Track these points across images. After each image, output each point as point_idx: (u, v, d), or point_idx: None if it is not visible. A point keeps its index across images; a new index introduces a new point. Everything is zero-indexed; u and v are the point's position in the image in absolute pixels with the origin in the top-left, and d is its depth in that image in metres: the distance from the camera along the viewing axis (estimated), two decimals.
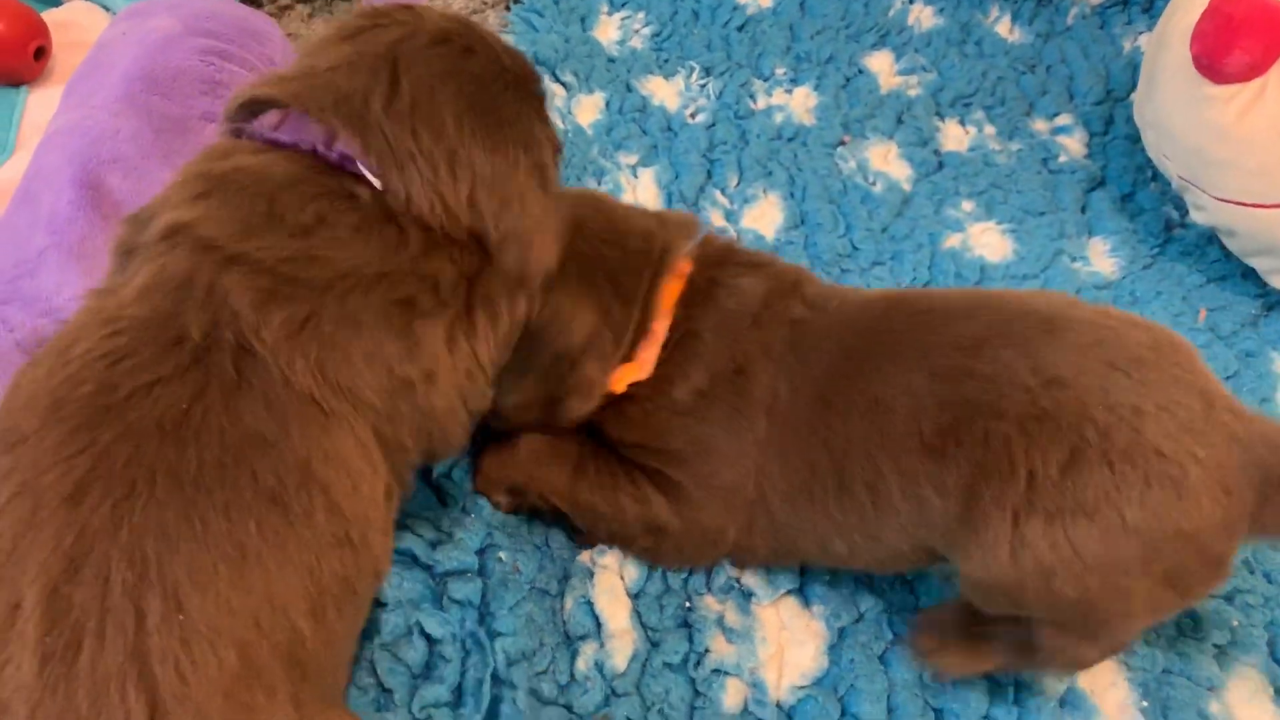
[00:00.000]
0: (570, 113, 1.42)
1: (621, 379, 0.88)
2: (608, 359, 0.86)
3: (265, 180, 0.65)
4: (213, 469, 0.59)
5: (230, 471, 0.59)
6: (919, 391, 0.79)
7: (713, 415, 0.86)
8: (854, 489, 0.82)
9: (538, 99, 0.79)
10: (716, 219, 1.32)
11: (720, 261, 0.92)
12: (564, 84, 1.46)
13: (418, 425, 0.70)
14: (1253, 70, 1.17)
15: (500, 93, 0.73)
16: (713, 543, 0.92)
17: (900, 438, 0.79)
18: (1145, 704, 0.94)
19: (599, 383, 0.87)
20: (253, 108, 0.70)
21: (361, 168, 0.66)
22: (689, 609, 0.95)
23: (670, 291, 0.89)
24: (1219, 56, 1.18)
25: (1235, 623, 0.99)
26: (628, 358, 0.88)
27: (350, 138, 0.67)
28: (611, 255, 0.88)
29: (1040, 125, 1.55)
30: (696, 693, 0.90)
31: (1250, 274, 1.33)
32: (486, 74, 0.73)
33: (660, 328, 0.88)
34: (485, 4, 1.57)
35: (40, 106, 1.17)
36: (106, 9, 1.33)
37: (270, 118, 0.69)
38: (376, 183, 0.66)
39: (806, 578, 0.97)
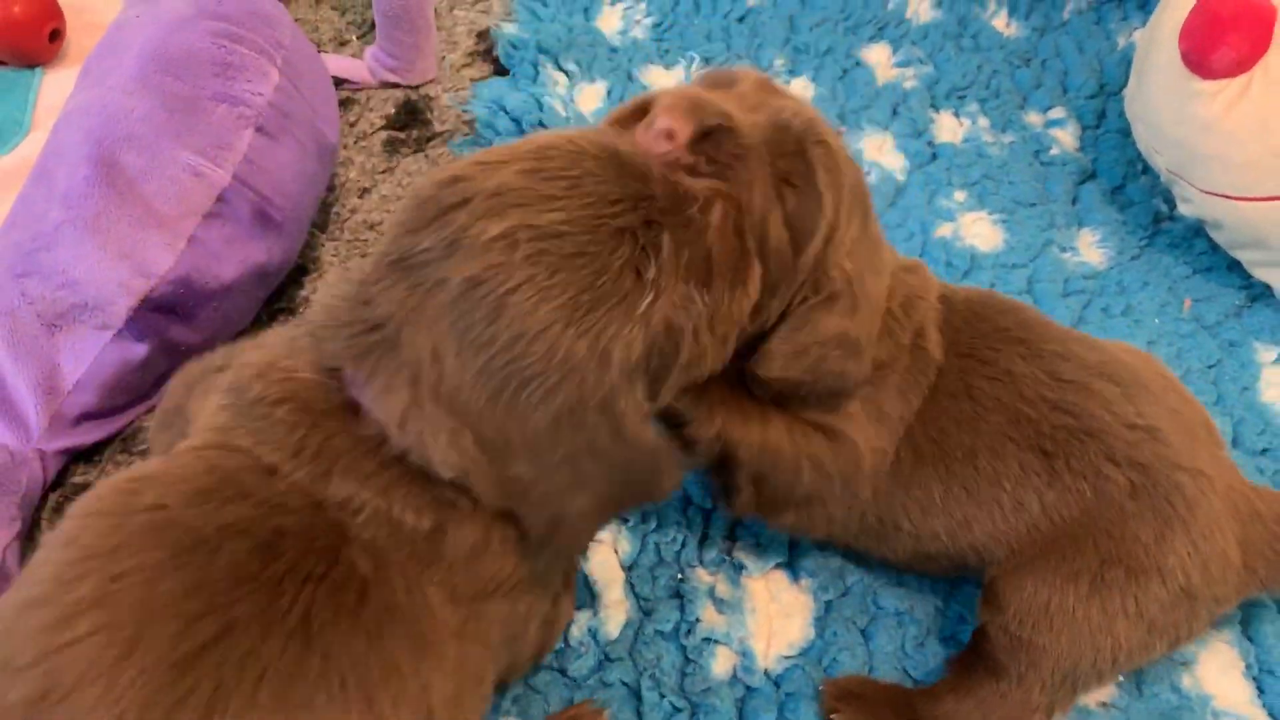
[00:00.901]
0: (573, 101, 1.45)
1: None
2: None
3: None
4: (324, 678, 0.56)
5: (346, 692, 0.57)
6: (1041, 403, 0.84)
7: (889, 382, 0.85)
8: (980, 466, 0.84)
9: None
10: None
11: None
12: (567, 72, 1.49)
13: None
14: (1239, 66, 1.20)
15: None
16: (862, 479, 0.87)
17: (1026, 439, 0.83)
18: (1121, 678, 0.97)
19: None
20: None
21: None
22: (681, 580, 0.98)
23: None
24: (1206, 53, 1.20)
25: None
26: None
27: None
28: None
29: (1034, 118, 1.57)
30: (687, 659, 0.93)
31: (1235, 266, 1.36)
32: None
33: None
34: None
35: (55, 87, 1.20)
36: None
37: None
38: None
39: (796, 552, 1.01)
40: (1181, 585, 0.81)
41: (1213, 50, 1.20)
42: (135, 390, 0.99)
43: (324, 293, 0.65)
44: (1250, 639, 1.01)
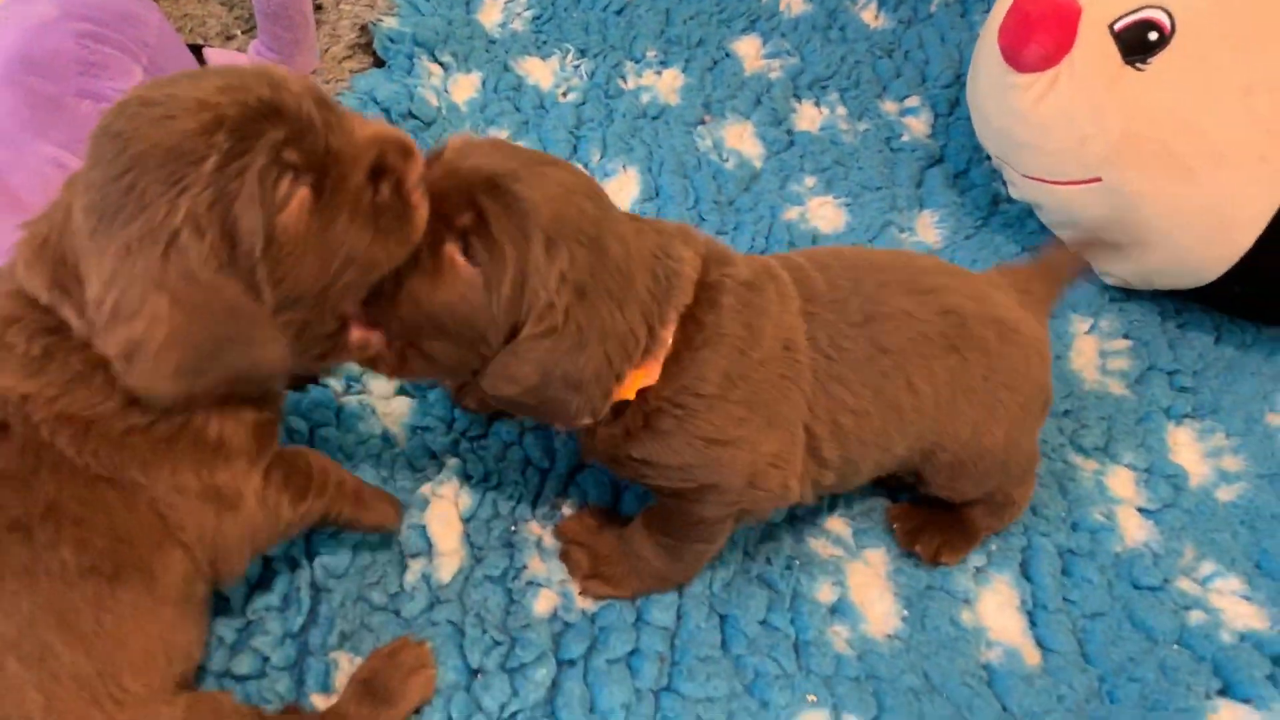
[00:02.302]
0: (446, 91, 1.54)
1: (631, 386, 0.88)
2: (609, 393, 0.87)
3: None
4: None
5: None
6: (930, 316, 0.98)
7: (760, 391, 0.91)
8: (918, 388, 0.97)
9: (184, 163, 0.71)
10: None
11: (718, 260, 0.94)
12: (442, 64, 1.57)
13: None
14: (1046, 61, 1.31)
15: (133, 183, 0.69)
16: (781, 495, 0.96)
17: (936, 347, 0.98)
18: (906, 613, 1.09)
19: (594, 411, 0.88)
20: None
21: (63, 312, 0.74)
22: (514, 532, 1.09)
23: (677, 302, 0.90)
24: (1017, 47, 1.32)
25: (994, 547, 1.14)
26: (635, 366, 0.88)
27: (49, 288, 0.74)
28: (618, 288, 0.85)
29: (890, 106, 1.68)
30: (512, 600, 1.04)
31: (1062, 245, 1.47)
32: (113, 171, 0.70)
33: (667, 334, 0.88)
34: None
35: None
36: None
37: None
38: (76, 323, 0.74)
39: (617, 505, 1.11)
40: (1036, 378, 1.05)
41: (1023, 46, 1.31)
42: None
43: None
44: (1028, 578, 1.13)
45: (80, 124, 1.07)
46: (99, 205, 0.69)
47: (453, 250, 0.80)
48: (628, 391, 0.87)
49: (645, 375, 0.87)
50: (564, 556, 1.06)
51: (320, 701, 0.95)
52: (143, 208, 0.68)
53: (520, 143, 1.46)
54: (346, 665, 0.97)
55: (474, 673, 0.98)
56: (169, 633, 0.80)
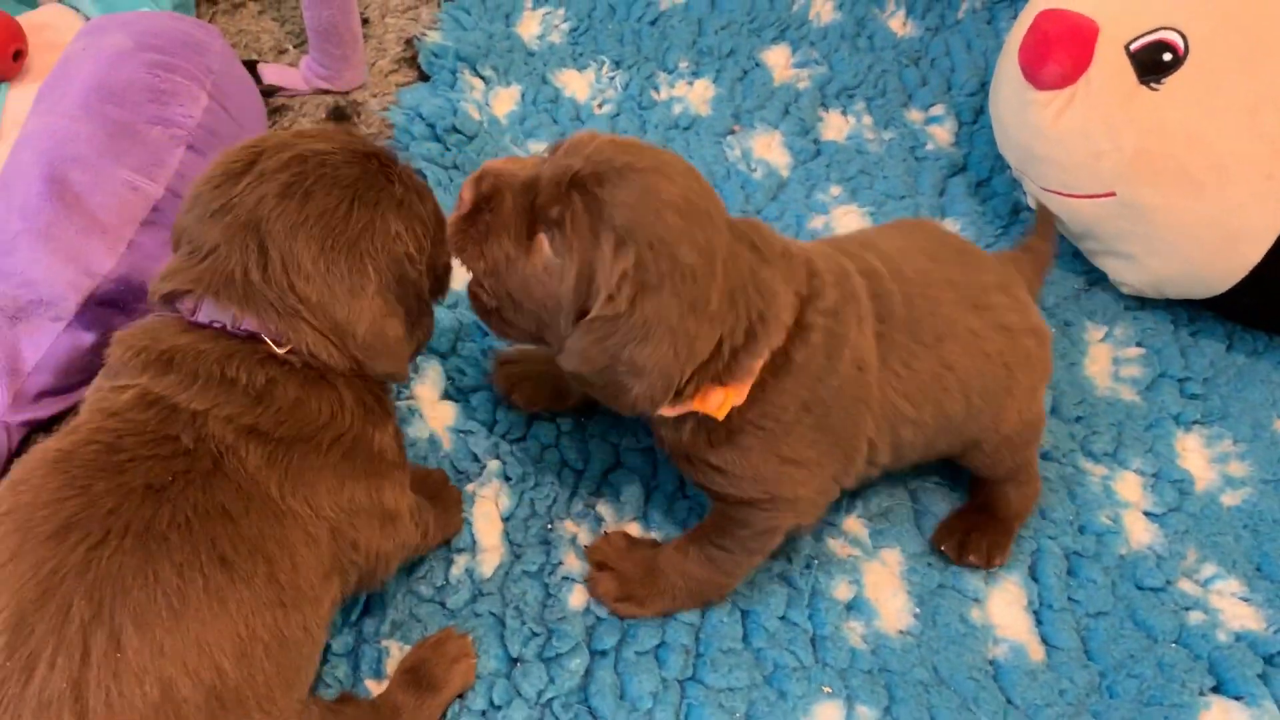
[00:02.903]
0: (488, 104, 1.61)
1: (723, 407, 0.95)
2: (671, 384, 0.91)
3: (204, 355, 0.83)
4: (179, 529, 0.74)
5: (193, 535, 0.75)
6: (990, 334, 1.08)
7: (832, 415, 1.00)
8: (973, 401, 1.07)
9: (390, 185, 0.91)
10: None
11: (813, 296, 0.98)
12: (484, 78, 1.65)
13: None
14: (1064, 80, 1.36)
15: (346, 214, 0.87)
16: (826, 500, 1.08)
17: (993, 364, 1.08)
18: (918, 610, 1.16)
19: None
20: (173, 297, 0.87)
21: (265, 338, 0.84)
22: (550, 530, 1.17)
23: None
24: (1036, 66, 1.37)
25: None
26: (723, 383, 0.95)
27: (248, 315, 0.84)
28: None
29: (915, 115, 1.73)
30: (548, 595, 1.11)
31: (1080, 254, 1.52)
32: (330, 204, 0.86)
33: (756, 365, 0.94)
34: (420, 1, 1.75)
35: (18, 101, 1.36)
36: (76, 9, 1.52)
37: (187, 303, 0.86)
38: (278, 350, 0.84)
39: (649, 505, 1.19)
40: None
41: (1042, 65, 1.36)
42: (85, 372, 1.16)
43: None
44: (1035, 579, 1.19)
45: (152, 149, 1.16)
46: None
47: (543, 239, 0.89)
48: (719, 411, 0.94)
49: (736, 396, 0.95)
50: (590, 581, 1.12)
51: (374, 686, 1.03)
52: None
53: None
54: (396, 652, 1.05)
55: (514, 661, 1.06)
56: (316, 651, 0.87)
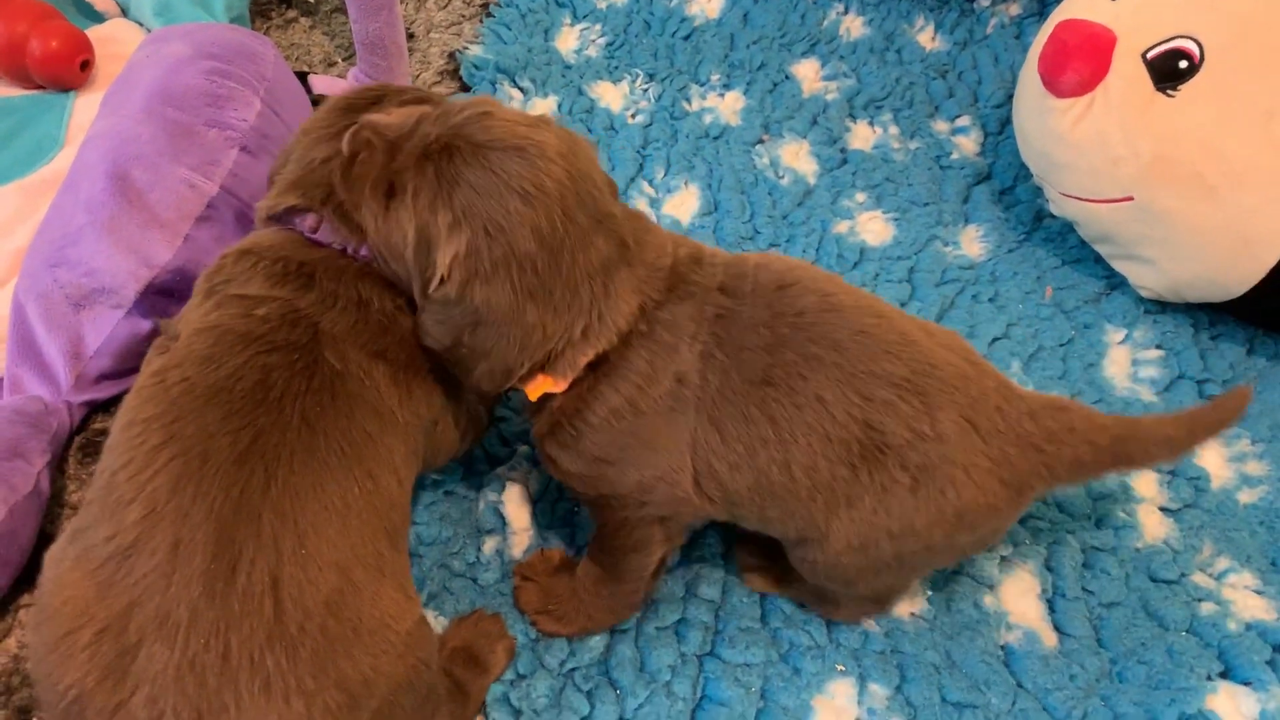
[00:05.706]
0: None
1: (538, 389, 0.95)
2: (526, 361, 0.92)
3: (344, 273, 0.94)
4: (336, 454, 0.86)
5: (344, 458, 0.86)
6: (853, 409, 0.93)
7: (644, 421, 0.95)
8: (794, 471, 0.94)
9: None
10: (641, 206, 1.58)
11: (655, 305, 0.95)
12: (522, 89, 1.72)
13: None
14: (1082, 87, 1.40)
15: None
16: (686, 501, 0.99)
17: (837, 441, 0.93)
18: (931, 594, 1.19)
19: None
20: (292, 213, 0.97)
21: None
22: (575, 512, 1.22)
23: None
24: (1055, 74, 1.40)
25: (1023, 540, 1.24)
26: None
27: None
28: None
29: (941, 126, 1.77)
30: None
31: (1100, 259, 1.55)
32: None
33: (583, 360, 0.93)
34: (464, 17, 1.82)
35: (86, 109, 1.45)
36: (141, 25, 1.61)
37: (310, 221, 0.97)
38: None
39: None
40: (947, 546, 1.00)
41: (1061, 73, 1.40)
42: (141, 358, 1.22)
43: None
44: (1050, 569, 1.22)
45: (208, 149, 1.23)
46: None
47: (401, 197, 0.89)
48: (533, 394, 0.95)
49: (554, 386, 0.94)
50: (515, 592, 1.13)
51: None
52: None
53: None
54: (431, 620, 1.11)
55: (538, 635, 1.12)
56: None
